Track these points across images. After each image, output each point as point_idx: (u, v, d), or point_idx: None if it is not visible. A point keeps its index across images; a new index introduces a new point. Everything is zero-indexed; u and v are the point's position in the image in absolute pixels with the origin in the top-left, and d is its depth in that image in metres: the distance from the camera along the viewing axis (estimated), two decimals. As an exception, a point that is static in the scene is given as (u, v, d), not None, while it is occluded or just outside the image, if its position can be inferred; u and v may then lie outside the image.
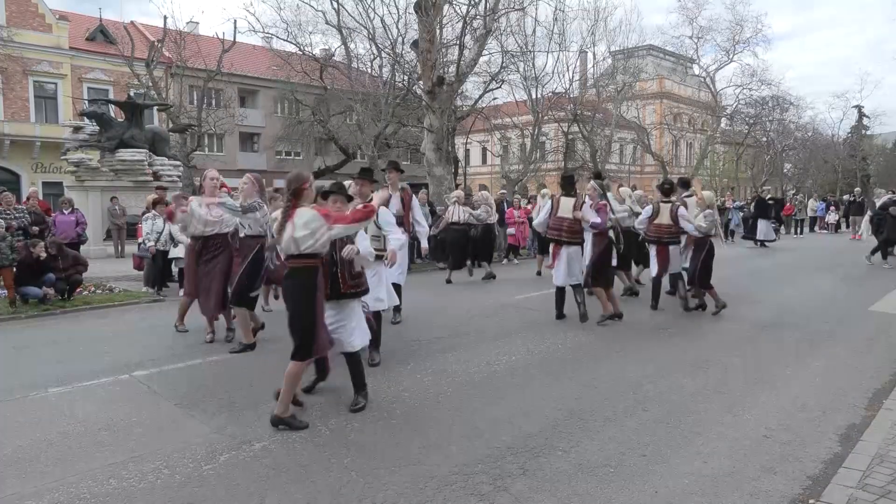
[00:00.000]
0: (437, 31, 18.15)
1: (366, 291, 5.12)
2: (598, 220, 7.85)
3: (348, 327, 4.88)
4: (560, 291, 8.28)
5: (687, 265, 8.91)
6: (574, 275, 8.06)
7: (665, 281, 9.36)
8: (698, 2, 35.98)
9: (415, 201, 8.19)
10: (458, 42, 21.34)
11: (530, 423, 4.58)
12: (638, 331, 7.73)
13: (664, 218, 8.75)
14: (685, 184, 9.95)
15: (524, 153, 34.80)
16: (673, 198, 8.92)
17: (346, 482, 3.67)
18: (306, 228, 4.35)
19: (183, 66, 28.39)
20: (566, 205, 7.98)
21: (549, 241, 8.37)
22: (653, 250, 9.09)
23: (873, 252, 14.87)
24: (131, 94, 23.67)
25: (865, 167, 57.70)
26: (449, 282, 12.18)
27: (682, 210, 8.65)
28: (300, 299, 4.47)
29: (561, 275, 8.09)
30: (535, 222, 9.34)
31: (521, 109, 32.91)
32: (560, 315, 8.27)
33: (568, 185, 8.22)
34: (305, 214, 4.40)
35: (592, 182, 8.31)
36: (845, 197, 22.55)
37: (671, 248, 8.85)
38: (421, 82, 20.99)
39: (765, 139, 47.80)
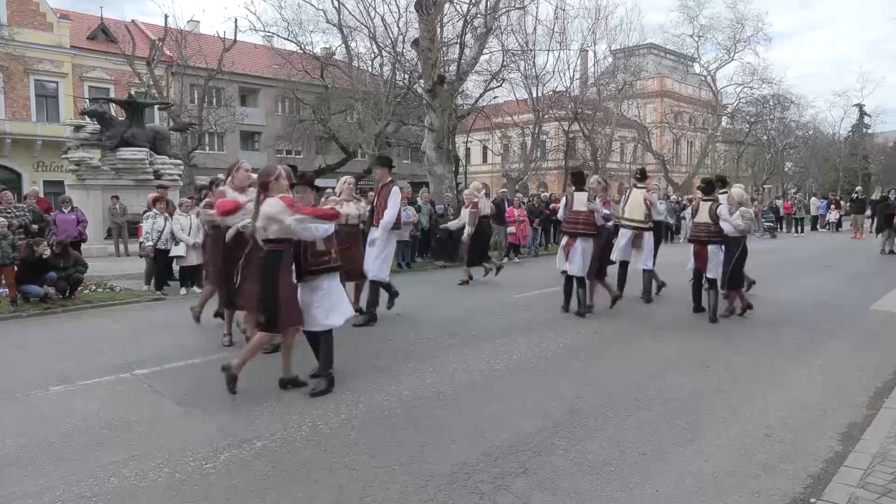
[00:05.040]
0: (438, 30, 18.14)
1: (335, 269, 5.34)
2: (609, 211, 8.51)
3: (322, 306, 5.18)
4: (570, 282, 8.55)
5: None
6: (586, 267, 8.43)
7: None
8: (699, 0, 36.02)
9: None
10: (458, 41, 21.34)
11: (531, 421, 4.58)
12: (639, 329, 7.73)
13: (703, 216, 8.37)
14: (723, 181, 9.79)
15: (525, 152, 34.81)
16: (714, 196, 8.54)
17: (346, 481, 3.67)
18: (269, 217, 4.85)
19: (184, 65, 28.42)
20: (580, 199, 8.45)
21: (565, 234, 8.64)
22: (689, 250, 8.69)
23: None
24: (132, 92, 23.66)
25: (867, 166, 57.65)
26: (468, 281, 11.71)
27: (722, 209, 8.17)
28: (266, 277, 4.96)
29: (577, 265, 8.38)
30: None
31: (521, 108, 32.89)
32: (567, 307, 8.61)
33: (579, 180, 8.62)
34: (272, 204, 4.85)
35: (595, 177, 8.81)
36: (853, 196, 22.52)
37: (710, 248, 8.27)
38: (421, 81, 20.98)
39: (765, 138, 47.81)
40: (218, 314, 7.76)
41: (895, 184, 33.70)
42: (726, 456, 4.01)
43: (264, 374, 5.82)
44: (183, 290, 10.79)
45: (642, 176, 10.09)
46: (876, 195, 23.25)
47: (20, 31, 28.13)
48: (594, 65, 34.38)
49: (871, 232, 20.81)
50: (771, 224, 25.81)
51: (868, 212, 24.41)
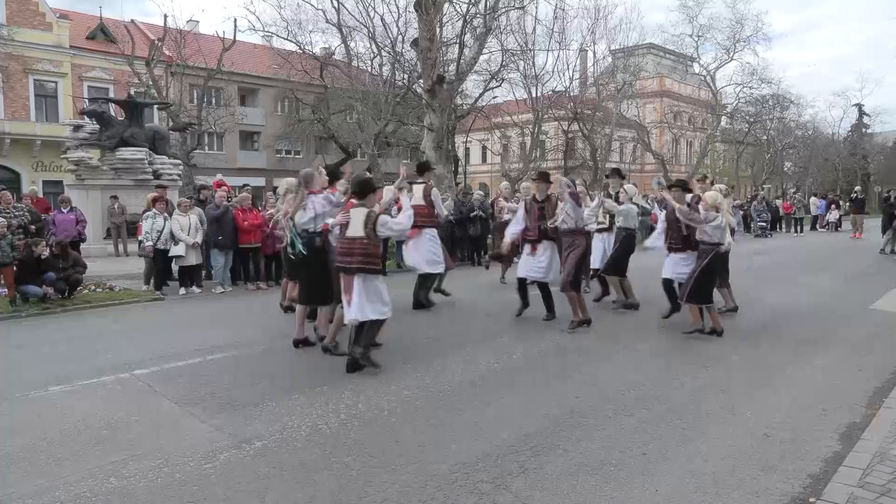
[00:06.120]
0: (438, 30, 18.15)
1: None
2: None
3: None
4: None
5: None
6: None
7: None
8: (699, 0, 36.03)
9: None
10: (458, 40, 21.40)
11: (531, 421, 4.57)
12: (638, 330, 7.72)
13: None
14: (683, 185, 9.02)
15: (524, 152, 34.84)
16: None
17: (346, 481, 3.67)
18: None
19: (183, 65, 28.39)
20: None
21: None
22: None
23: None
24: (131, 92, 23.65)
25: (866, 166, 57.72)
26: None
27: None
28: None
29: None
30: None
31: (521, 108, 32.93)
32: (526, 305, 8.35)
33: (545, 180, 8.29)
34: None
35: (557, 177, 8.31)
36: (852, 196, 22.52)
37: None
38: (421, 81, 20.98)
39: (765, 137, 47.86)
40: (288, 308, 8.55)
41: (894, 183, 33.79)
42: (726, 456, 4.01)
43: (264, 374, 5.83)
44: (182, 290, 10.79)
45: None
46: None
47: (19, 30, 28.13)
48: (593, 65, 34.50)
49: None
50: (764, 224, 25.76)
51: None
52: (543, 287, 8.26)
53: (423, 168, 9.46)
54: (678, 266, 7.73)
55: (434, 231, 9.03)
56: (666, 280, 8.02)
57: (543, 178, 8.34)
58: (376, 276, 5.90)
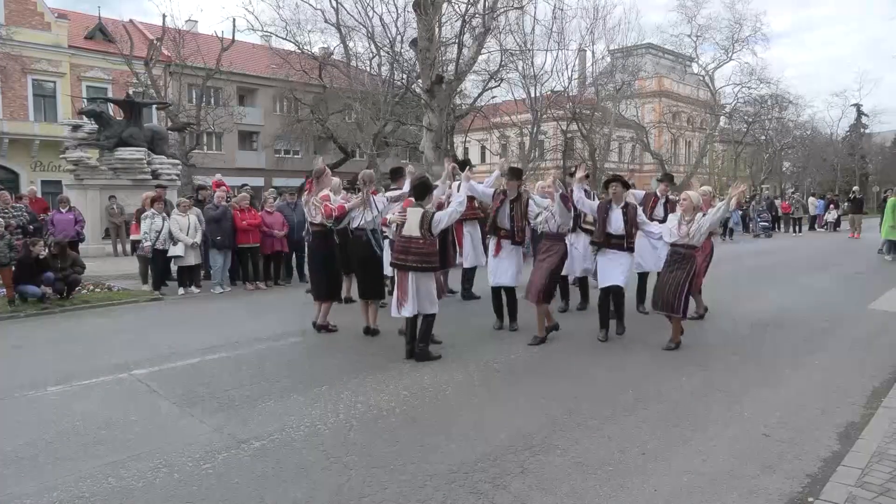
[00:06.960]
0: (436, 30, 18.13)
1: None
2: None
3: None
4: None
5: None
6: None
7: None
8: (697, 0, 36.03)
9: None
10: (457, 40, 21.38)
11: (529, 421, 4.58)
12: (637, 330, 7.70)
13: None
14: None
15: (523, 152, 34.85)
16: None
17: (345, 481, 3.67)
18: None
19: (182, 65, 28.38)
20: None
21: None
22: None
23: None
24: (130, 92, 23.62)
25: (864, 166, 57.78)
26: None
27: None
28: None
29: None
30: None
31: (519, 108, 32.93)
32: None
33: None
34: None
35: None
36: (850, 196, 22.58)
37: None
38: (420, 81, 20.99)
39: (763, 138, 47.84)
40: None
41: (892, 183, 33.82)
42: (725, 456, 4.01)
43: (263, 374, 5.83)
44: (181, 290, 10.79)
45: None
46: None
47: (18, 30, 28.08)
48: (592, 65, 34.46)
49: None
50: (766, 224, 25.87)
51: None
52: (510, 294, 7.56)
53: (463, 165, 9.12)
54: (612, 268, 7.00)
55: (475, 223, 9.24)
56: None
57: (515, 174, 7.55)
58: (430, 275, 6.20)
